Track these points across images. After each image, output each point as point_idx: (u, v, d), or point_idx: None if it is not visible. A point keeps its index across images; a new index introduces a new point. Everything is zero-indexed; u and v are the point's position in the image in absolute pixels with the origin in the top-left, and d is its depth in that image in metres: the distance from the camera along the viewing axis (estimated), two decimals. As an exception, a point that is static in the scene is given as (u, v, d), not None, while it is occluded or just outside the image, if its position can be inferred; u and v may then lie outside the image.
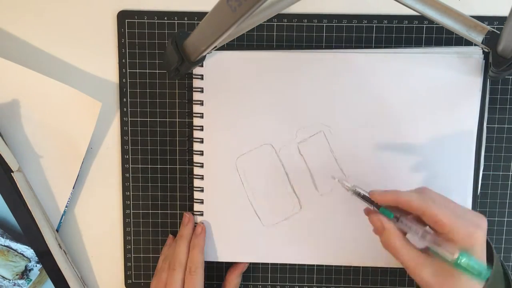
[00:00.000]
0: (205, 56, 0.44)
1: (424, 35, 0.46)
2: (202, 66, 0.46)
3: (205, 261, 0.46)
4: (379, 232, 0.38)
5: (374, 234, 0.39)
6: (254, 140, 0.46)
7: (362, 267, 0.49)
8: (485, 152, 0.46)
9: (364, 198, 0.39)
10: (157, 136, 0.48)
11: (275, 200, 0.47)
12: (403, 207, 0.37)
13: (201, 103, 0.46)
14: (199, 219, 0.48)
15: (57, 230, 0.49)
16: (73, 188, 0.48)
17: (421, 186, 0.39)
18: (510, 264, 0.49)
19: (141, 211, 0.49)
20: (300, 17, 0.46)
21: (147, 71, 0.48)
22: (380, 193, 0.38)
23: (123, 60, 0.47)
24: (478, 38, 0.40)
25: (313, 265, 0.49)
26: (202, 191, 0.47)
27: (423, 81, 0.45)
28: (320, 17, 0.46)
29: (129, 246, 0.50)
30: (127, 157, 0.49)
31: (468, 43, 0.43)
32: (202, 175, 0.47)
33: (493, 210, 0.48)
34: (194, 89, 0.46)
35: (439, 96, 0.45)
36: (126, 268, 0.50)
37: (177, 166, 0.49)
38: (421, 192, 0.37)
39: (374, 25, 0.46)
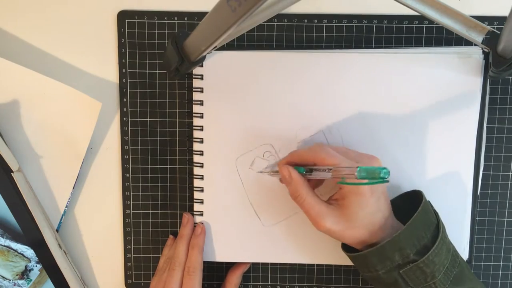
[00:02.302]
0: (205, 56, 0.44)
1: (424, 35, 0.46)
2: (202, 66, 0.45)
3: (205, 261, 0.47)
4: (287, 182, 0.41)
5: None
6: (254, 140, 0.46)
7: (362, 267, 0.49)
8: (485, 152, 0.46)
9: (276, 172, 0.44)
10: (157, 136, 0.48)
11: (275, 200, 0.47)
12: (300, 161, 0.41)
13: (201, 103, 0.46)
14: (199, 219, 0.48)
15: (57, 230, 0.49)
16: (73, 188, 0.48)
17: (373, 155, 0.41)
18: (510, 264, 0.49)
19: (141, 211, 0.49)
20: (300, 17, 0.46)
21: (147, 71, 0.48)
22: (281, 160, 0.43)
23: (123, 60, 0.47)
24: (478, 38, 0.40)
25: (313, 265, 0.49)
26: (202, 191, 0.47)
27: (423, 81, 0.45)
28: (320, 17, 0.46)
29: (129, 246, 0.50)
30: (127, 157, 0.49)
31: (468, 43, 0.43)
32: (202, 175, 0.47)
33: (493, 210, 0.48)
34: (194, 89, 0.46)
35: (439, 96, 0.45)
36: (126, 268, 0.50)
37: (177, 166, 0.49)
38: (311, 146, 0.41)
39: (374, 25, 0.46)
